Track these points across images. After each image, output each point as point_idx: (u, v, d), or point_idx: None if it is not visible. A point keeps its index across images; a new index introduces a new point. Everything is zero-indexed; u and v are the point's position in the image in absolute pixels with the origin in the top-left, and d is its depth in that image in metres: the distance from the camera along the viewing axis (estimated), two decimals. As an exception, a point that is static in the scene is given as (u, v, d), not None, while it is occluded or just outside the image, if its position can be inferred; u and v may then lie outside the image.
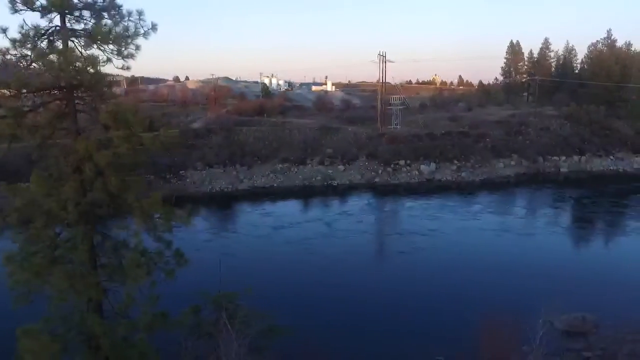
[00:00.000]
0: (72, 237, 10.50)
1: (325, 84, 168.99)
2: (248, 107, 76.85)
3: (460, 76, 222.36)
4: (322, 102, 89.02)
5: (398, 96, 74.31)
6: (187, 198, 51.49)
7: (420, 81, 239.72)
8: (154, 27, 10.89)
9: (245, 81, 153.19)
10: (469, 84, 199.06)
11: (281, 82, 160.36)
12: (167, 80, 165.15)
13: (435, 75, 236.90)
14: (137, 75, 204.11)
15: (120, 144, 9.75)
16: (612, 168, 63.93)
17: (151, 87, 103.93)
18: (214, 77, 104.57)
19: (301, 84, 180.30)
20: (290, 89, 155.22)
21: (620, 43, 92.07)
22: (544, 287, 28.30)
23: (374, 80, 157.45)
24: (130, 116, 9.95)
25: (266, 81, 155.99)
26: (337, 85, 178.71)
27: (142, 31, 10.64)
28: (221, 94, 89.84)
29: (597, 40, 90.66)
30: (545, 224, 41.98)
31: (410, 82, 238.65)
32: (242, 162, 58.97)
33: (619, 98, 77.63)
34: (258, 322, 12.45)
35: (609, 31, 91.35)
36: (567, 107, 75.05)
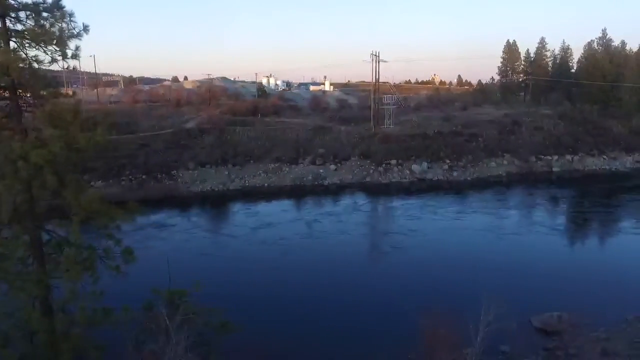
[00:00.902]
0: (13, 235, 10.57)
1: (324, 83, 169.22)
2: (242, 107, 76.92)
3: (459, 76, 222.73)
4: (317, 102, 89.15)
5: (391, 95, 74.23)
6: (177, 197, 51.89)
7: (420, 81, 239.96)
8: (85, 29, 10.94)
9: (243, 81, 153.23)
10: (468, 84, 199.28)
11: (279, 82, 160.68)
12: (167, 80, 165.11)
13: (435, 74, 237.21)
14: (142, 75, 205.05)
15: (55, 143, 9.79)
16: (604, 167, 63.81)
17: (146, 87, 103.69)
18: (209, 77, 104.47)
19: (299, 84, 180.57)
20: (288, 89, 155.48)
21: (617, 42, 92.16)
22: (524, 286, 28.35)
23: (372, 80, 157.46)
24: (68, 116, 10.00)
25: (264, 81, 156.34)
26: (335, 85, 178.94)
27: (75, 32, 10.69)
28: (215, 94, 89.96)
29: (592, 40, 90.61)
30: (531, 223, 41.86)
31: (409, 82, 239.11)
32: (234, 162, 59.07)
33: (613, 97, 77.52)
34: (209, 317, 12.56)
35: (604, 30, 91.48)
36: (562, 106, 75.04)
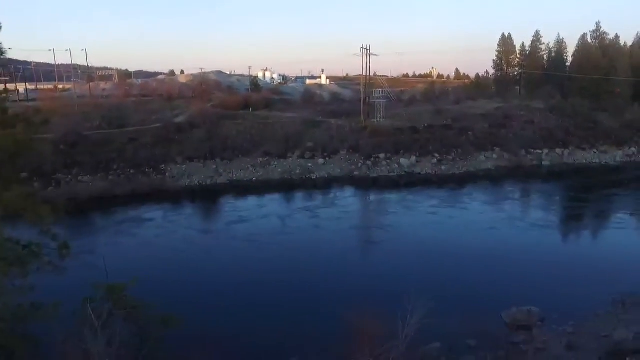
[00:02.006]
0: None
1: (320, 77, 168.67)
2: (233, 101, 76.66)
3: (457, 69, 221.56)
4: (310, 95, 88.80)
5: (381, 89, 73.92)
6: (164, 192, 51.87)
7: (418, 74, 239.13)
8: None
9: (240, 75, 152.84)
10: (467, 77, 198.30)
11: (275, 76, 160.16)
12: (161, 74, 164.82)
13: (433, 68, 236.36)
14: (141, 69, 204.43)
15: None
16: (595, 161, 63.68)
17: (138, 81, 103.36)
18: (202, 70, 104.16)
19: (296, 78, 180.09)
20: (284, 82, 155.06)
21: (612, 36, 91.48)
22: (499, 281, 28.46)
23: (371, 73, 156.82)
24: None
25: (260, 75, 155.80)
26: (333, 78, 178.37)
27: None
28: (208, 88, 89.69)
29: (585, 33, 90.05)
30: (510, 217, 41.54)
31: (407, 76, 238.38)
32: (222, 156, 59.01)
33: (604, 91, 77.16)
34: (151, 312, 12.63)
35: (597, 24, 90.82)
36: (554, 100, 74.76)
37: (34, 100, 79.17)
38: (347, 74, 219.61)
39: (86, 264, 24.32)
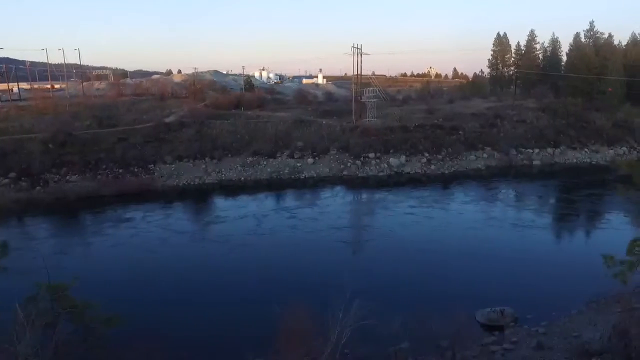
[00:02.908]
0: None
1: (317, 76, 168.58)
2: (225, 101, 76.64)
3: (455, 68, 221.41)
4: (302, 95, 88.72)
5: (372, 89, 73.82)
6: (152, 191, 51.77)
7: (416, 74, 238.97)
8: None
9: (237, 74, 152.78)
10: (464, 77, 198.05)
11: (272, 75, 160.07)
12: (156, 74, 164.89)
13: (430, 67, 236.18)
14: (140, 69, 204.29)
15: None
16: (585, 160, 63.49)
17: (131, 81, 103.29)
18: (196, 70, 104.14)
19: (293, 77, 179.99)
20: (280, 81, 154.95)
21: (606, 35, 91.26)
22: (477, 280, 28.28)
23: (369, 72, 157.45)
24: None
25: (257, 74, 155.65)
26: (330, 78, 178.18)
27: None
28: (201, 88, 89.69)
29: (577, 32, 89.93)
30: (493, 217, 41.29)
31: (405, 75, 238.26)
32: (212, 156, 58.97)
33: (597, 90, 76.99)
34: (91, 311, 12.61)
35: (591, 23, 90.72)
36: (546, 99, 74.62)
37: (25, 100, 79.05)
38: (345, 74, 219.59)
39: (49, 265, 24.38)
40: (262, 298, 25.10)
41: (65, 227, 42.79)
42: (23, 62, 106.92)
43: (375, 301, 19.31)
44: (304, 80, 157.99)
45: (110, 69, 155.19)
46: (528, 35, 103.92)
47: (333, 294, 16.33)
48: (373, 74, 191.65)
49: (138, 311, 22.64)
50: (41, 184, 51.62)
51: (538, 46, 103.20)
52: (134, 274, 30.08)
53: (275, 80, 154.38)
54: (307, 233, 37.98)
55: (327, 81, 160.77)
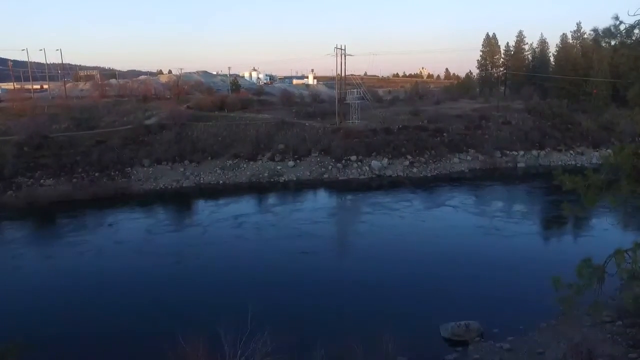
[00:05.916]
0: None
1: (307, 77, 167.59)
2: (209, 102, 75.44)
3: (447, 69, 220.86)
4: (288, 95, 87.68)
5: (356, 90, 72.91)
6: (128, 195, 50.64)
7: (407, 74, 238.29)
8: None
9: (225, 75, 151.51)
10: (456, 77, 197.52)
11: (261, 76, 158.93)
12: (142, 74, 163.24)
13: (422, 68, 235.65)
14: (133, 69, 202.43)
15: None
16: (570, 163, 62.82)
17: (116, 81, 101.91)
18: (182, 71, 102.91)
19: (284, 78, 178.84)
20: (270, 82, 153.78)
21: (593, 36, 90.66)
22: (442, 291, 27.10)
23: (361, 73, 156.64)
24: None
25: (247, 75, 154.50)
26: (322, 78, 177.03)
27: None
28: (185, 89, 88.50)
29: (564, 33, 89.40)
30: (463, 224, 39.89)
31: (397, 75, 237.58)
32: (191, 159, 57.96)
33: (583, 92, 76.46)
34: None
35: (578, 24, 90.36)
36: (532, 100, 74.00)
37: (2, 101, 77.58)
38: (338, 74, 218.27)
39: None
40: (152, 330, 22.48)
41: (31, 233, 41.60)
42: (5, 62, 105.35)
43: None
44: (295, 81, 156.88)
45: (102, 69, 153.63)
46: (517, 36, 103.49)
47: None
48: (365, 74, 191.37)
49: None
50: (13, 188, 50.43)
51: (527, 47, 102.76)
52: (62, 289, 28.20)
53: (265, 81, 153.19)
54: (263, 242, 35.85)
55: (318, 82, 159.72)
